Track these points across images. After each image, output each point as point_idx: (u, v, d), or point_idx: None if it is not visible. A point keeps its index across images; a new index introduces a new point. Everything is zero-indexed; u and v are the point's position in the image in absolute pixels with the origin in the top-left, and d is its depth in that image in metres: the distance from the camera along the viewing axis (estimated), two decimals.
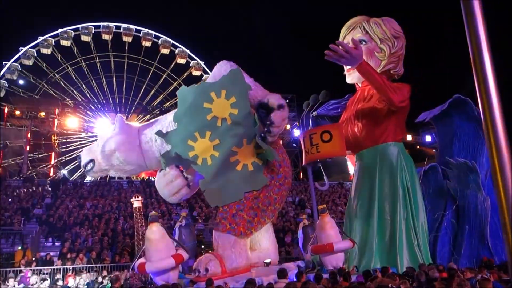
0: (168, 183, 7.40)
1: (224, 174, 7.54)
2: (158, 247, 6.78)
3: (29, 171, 30.40)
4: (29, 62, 31.30)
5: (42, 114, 30.46)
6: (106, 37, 33.67)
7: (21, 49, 30.95)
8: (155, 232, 6.87)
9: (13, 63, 30.57)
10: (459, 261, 9.27)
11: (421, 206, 9.40)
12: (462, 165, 9.67)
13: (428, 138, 28.74)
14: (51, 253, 13.78)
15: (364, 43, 9.81)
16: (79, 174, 30.21)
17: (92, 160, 7.74)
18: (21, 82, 31.67)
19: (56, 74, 33.63)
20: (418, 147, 30.63)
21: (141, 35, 34.05)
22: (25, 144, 29.93)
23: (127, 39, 34.09)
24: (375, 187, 9.29)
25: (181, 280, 7.33)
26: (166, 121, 7.93)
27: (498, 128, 3.12)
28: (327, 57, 8.26)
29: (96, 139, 8.27)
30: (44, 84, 32.69)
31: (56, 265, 12.68)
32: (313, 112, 10.81)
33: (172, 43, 34.70)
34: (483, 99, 3.21)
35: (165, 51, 34.83)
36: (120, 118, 7.93)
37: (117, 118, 7.99)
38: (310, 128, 10.46)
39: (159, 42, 34.53)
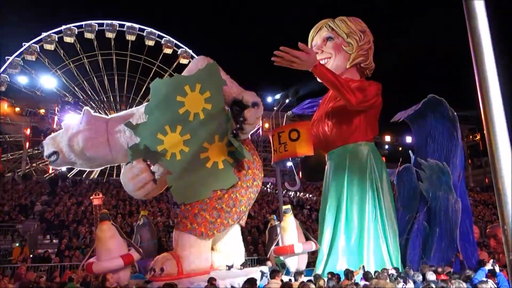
0: (134, 177, 7.13)
1: (193, 171, 7.31)
2: (108, 246, 6.61)
3: (28, 167, 30.23)
4: (32, 58, 31.23)
5: (42, 111, 30.34)
6: (109, 35, 33.64)
7: (24, 45, 30.85)
8: (105, 231, 6.74)
9: (15, 58, 30.46)
10: (426, 264, 8.90)
11: (391, 208, 9.18)
12: (434, 167, 9.44)
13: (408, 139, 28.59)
14: (49, 250, 13.63)
15: (331, 39, 9.93)
16: (76, 171, 30.06)
17: (55, 152, 7.54)
18: (22, 81, 31.49)
19: (58, 70, 33.55)
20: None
21: (144, 34, 34.01)
22: (24, 141, 29.76)
23: (130, 38, 34.09)
24: (344, 187, 9.10)
25: (139, 280, 7.12)
26: (138, 113, 7.74)
27: (498, 129, 3.11)
28: (277, 63, 8.18)
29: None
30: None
31: (54, 262, 12.53)
32: (288, 112, 10.78)
33: (175, 43, 34.70)
34: (484, 100, 3.19)
35: (168, 51, 34.81)
36: (86, 112, 7.67)
37: (83, 111, 7.71)
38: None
39: (162, 41, 34.51)
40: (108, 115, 9.18)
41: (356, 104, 8.62)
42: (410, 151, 10.95)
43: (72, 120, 7.98)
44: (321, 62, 9.49)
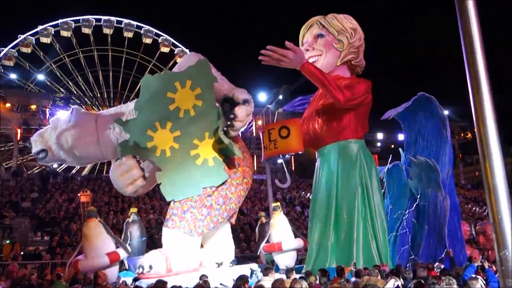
0: (123, 173, 7.11)
1: (183, 168, 7.28)
2: (94, 244, 6.59)
3: (18, 162, 29.88)
4: (27, 50, 30.87)
5: (33, 107, 30.00)
6: (106, 31, 33.38)
7: (20, 36, 30.47)
8: (91, 228, 6.68)
9: (10, 50, 30.05)
10: (416, 261, 8.99)
11: (381, 205, 9.22)
12: (423, 164, 9.49)
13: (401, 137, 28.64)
14: (40, 247, 13.51)
15: (322, 37, 9.96)
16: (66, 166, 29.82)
17: (44, 150, 7.53)
18: (13, 76, 31.17)
19: (52, 64, 33.26)
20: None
21: (142, 32, 33.78)
22: (14, 136, 29.38)
23: (127, 34, 33.82)
24: (334, 185, 9.15)
25: (129, 278, 7.08)
26: (127, 109, 7.73)
27: (489, 127, 3.14)
28: (264, 62, 8.18)
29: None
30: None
31: (45, 260, 12.42)
32: (280, 109, 10.83)
33: (173, 42, 34.49)
34: (475, 98, 3.22)
35: (165, 49, 34.58)
36: (75, 110, 7.66)
37: (72, 110, 7.70)
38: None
39: (160, 40, 34.27)
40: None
41: (344, 102, 8.64)
42: (400, 149, 11.05)
43: (60, 117, 7.91)
44: (312, 59, 9.60)
